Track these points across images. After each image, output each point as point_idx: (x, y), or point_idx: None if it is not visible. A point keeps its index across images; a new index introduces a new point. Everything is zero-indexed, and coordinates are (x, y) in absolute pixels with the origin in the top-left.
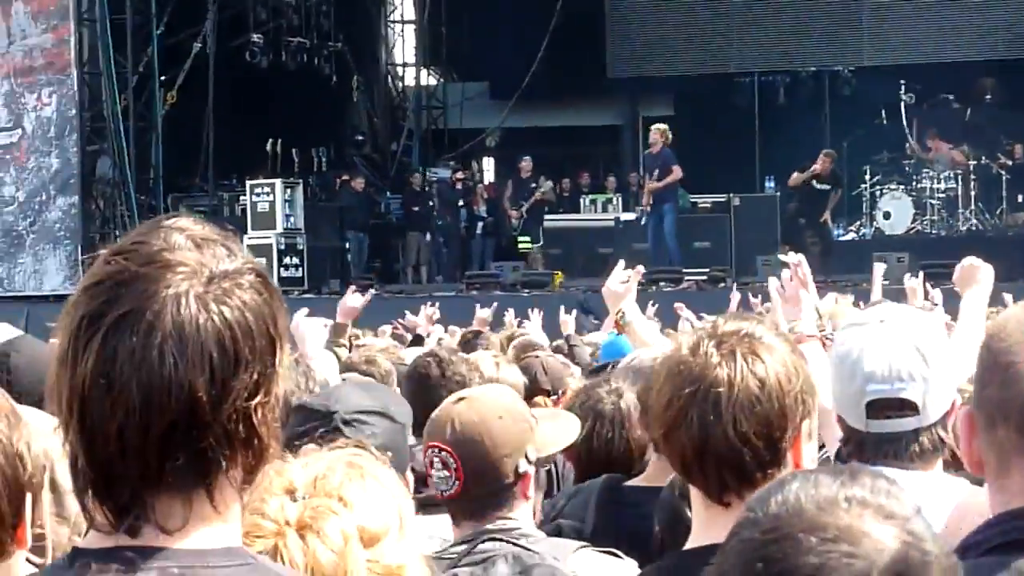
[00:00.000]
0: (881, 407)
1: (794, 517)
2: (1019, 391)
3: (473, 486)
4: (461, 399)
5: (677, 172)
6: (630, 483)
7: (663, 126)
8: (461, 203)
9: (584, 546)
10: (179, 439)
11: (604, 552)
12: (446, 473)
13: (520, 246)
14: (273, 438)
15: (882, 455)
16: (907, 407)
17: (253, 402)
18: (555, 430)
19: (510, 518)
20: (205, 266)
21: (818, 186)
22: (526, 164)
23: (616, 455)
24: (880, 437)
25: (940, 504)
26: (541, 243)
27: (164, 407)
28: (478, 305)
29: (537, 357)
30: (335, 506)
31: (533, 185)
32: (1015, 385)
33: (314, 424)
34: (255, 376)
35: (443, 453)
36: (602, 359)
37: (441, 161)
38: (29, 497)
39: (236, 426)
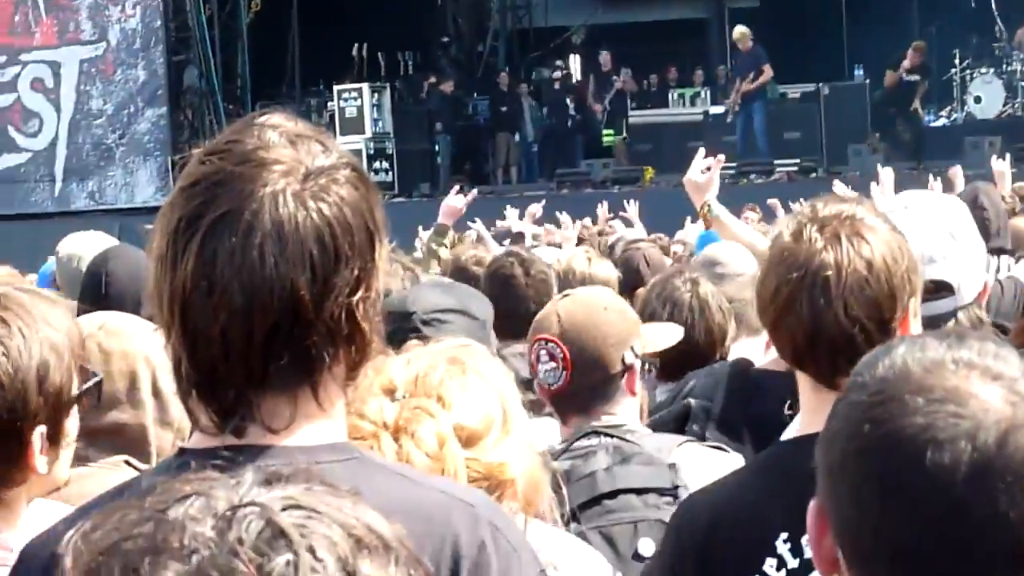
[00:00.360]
0: None
1: (901, 379)
2: None
3: (580, 377)
4: (566, 296)
5: (768, 71)
6: (759, 367)
7: (745, 28)
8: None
9: (689, 440)
10: (282, 339)
11: (710, 446)
12: (553, 365)
13: (604, 139)
14: (375, 333)
15: None
16: (942, 288)
17: (355, 298)
18: (659, 330)
19: (614, 413)
20: (301, 163)
21: (907, 78)
22: (605, 58)
23: (696, 342)
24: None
25: None
26: (625, 136)
27: (266, 307)
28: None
29: (639, 249)
30: (432, 407)
31: (614, 79)
32: None
33: (391, 327)
34: (356, 272)
35: (550, 345)
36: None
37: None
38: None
39: (339, 323)
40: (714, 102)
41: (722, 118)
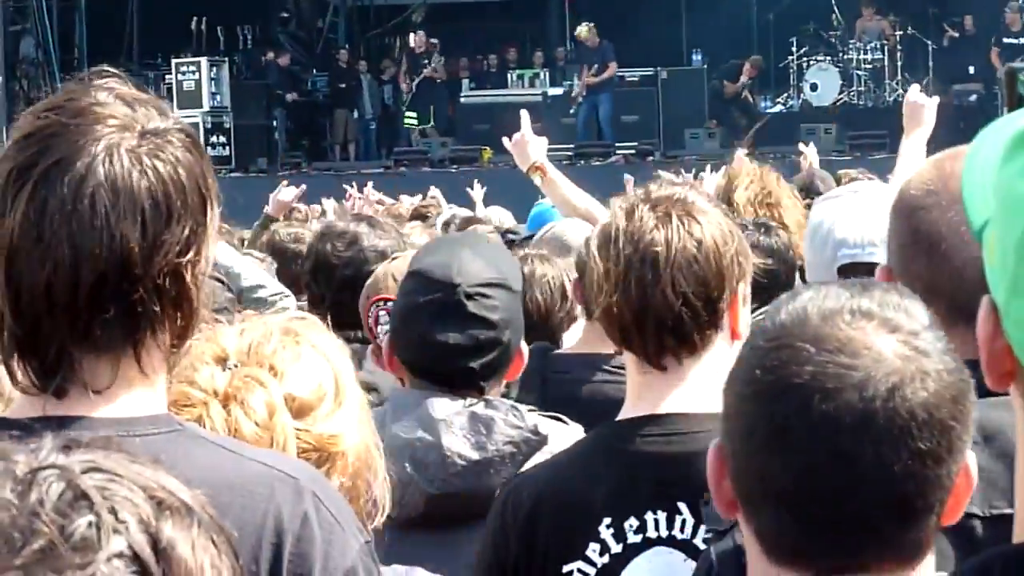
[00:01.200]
0: (852, 272)
1: (797, 327)
2: (950, 271)
3: None
4: (395, 258)
5: (613, 68)
6: (561, 350)
7: (590, 24)
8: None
9: (532, 410)
10: (109, 292)
11: (549, 417)
12: None
13: (406, 121)
14: (202, 302)
15: None
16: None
17: (184, 259)
18: None
19: None
20: (137, 122)
21: (744, 94)
22: (419, 38)
23: (534, 323)
24: None
25: None
26: (431, 123)
27: (95, 258)
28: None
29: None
30: (263, 376)
31: (425, 61)
32: (945, 266)
33: (434, 296)
34: (186, 232)
35: (389, 304)
36: (529, 230)
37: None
38: None
39: (166, 282)
40: (553, 83)
41: (561, 99)
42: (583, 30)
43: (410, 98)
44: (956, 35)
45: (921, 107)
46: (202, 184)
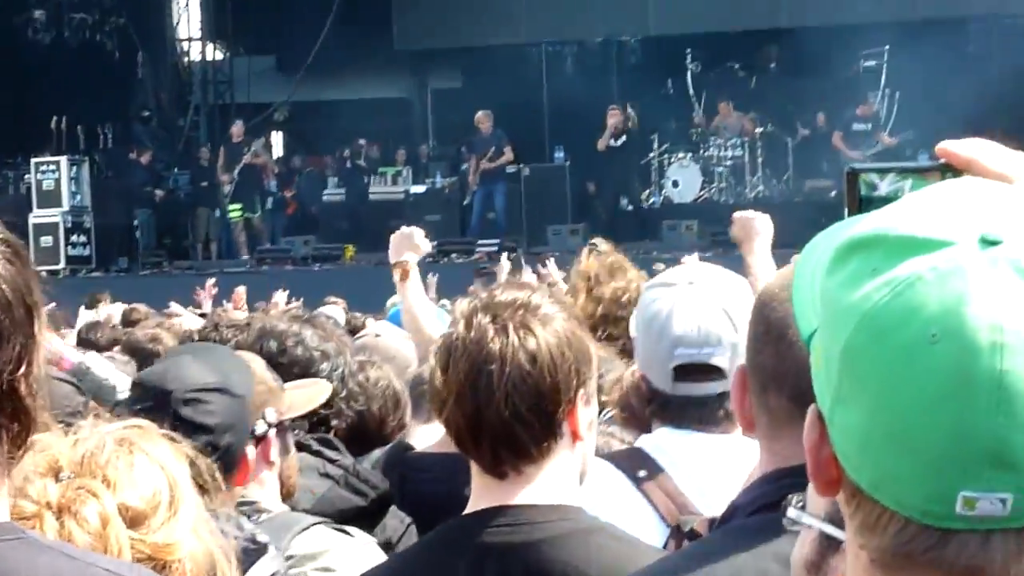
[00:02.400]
0: (688, 370)
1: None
2: (794, 362)
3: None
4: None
5: (509, 153)
6: (420, 450)
7: (488, 111)
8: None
9: (320, 522)
10: None
11: (336, 529)
12: None
13: (230, 214)
14: (40, 409)
15: (687, 418)
16: (714, 371)
17: (17, 374)
18: (304, 394)
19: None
20: None
21: (615, 143)
22: (237, 129)
23: (364, 422)
24: (686, 400)
25: (741, 467)
26: (259, 212)
27: None
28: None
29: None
30: (97, 487)
31: (245, 150)
32: (790, 355)
33: (147, 404)
34: (17, 348)
35: None
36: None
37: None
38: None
39: (2, 400)
40: (416, 181)
41: (424, 196)
42: (480, 115)
43: (233, 189)
44: (807, 132)
45: (750, 219)
46: (27, 296)
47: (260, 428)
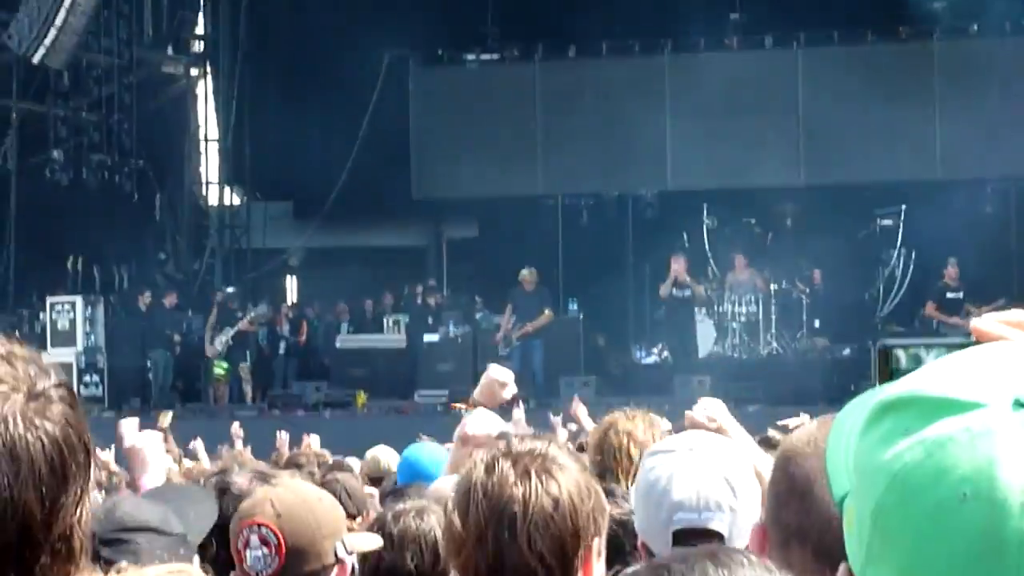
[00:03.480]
0: (687, 535)
1: None
2: (819, 516)
3: (293, 564)
4: (273, 484)
5: (549, 313)
6: None
7: (532, 269)
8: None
9: None
10: (11, 559)
11: None
12: (264, 551)
13: (215, 371)
14: (84, 550)
15: None
16: (713, 536)
17: (76, 516)
18: (361, 536)
19: None
20: (21, 382)
21: (677, 293)
22: (221, 295)
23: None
24: None
25: None
26: (246, 361)
27: (1, 529)
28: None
29: (338, 481)
30: None
31: (240, 315)
32: (815, 509)
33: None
34: (79, 491)
35: (263, 529)
36: (400, 481)
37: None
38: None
39: (64, 543)
40: (429, 330)
41: (437, 345)
42: (525, 273)
43: (226, 348)
44: (806, 290)
45: (700, 424)
46: (86, 438)
47: (340, 551)
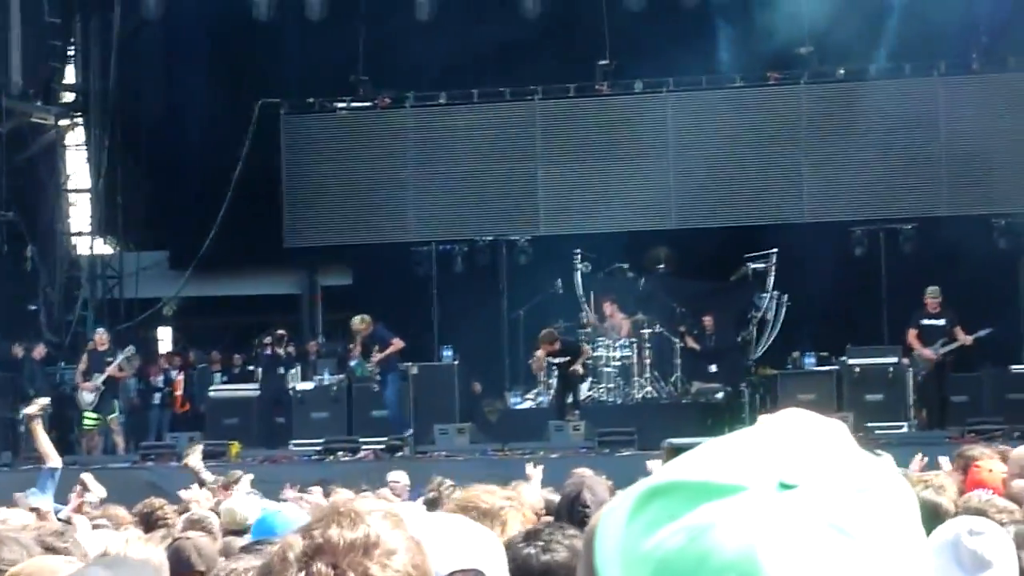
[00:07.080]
0: None
1: None
2: None
3: None
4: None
5: (398, 343)
6: None
7: (363, 316)
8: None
9: None
10: None
11: None
12: None
13: (85, 423)
14: None
15: None
16: None
17: None
18: None
19: None
20: None
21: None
22: (100, 337)
23: None
24: None
25: None
26: (116, 414)
27: None
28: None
29: (189, 539)
30: None
31: (109, 359)
32: None
33: None
34: None
35: None
36: (254, 536)
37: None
38: None
39: None
40: (304, 378)
41: (312, 394)
42: (356, 321)
43: (96, 399)
44: (695, 338)
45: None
46: None
47: None
